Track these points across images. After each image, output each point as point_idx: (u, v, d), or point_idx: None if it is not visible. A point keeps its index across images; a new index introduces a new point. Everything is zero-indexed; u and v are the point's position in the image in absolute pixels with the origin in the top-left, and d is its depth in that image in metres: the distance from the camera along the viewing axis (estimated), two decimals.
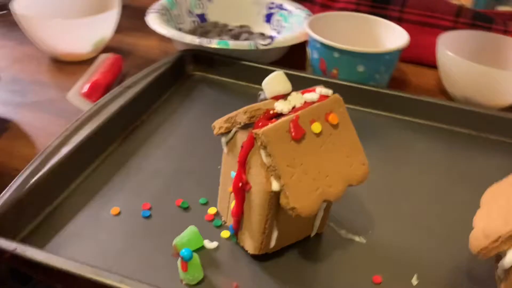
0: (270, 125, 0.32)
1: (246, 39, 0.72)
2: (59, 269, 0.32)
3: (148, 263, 0.36)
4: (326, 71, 0.60)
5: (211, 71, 0.63)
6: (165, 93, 0.58)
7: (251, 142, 0.33)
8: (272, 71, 0.59)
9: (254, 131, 0.32)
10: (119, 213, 0.40)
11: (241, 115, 0.33)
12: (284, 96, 0.34)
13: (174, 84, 0.60)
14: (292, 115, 0.32)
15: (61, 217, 0.39)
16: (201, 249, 0.37)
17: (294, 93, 0.34)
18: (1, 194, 0.37)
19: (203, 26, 0.75)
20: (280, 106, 0.33)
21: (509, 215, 0.33)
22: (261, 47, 0.60)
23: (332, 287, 0.36)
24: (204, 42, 0.60)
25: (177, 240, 0.37)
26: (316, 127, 0.33)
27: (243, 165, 0.34)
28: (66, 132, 0.45)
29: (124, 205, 0.41)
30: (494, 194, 0.38)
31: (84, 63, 0.64)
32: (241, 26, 0.77)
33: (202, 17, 0.76)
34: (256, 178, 0.33)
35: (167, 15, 0.70)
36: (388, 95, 0.58)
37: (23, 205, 0.37)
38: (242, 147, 0.34)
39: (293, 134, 0.32)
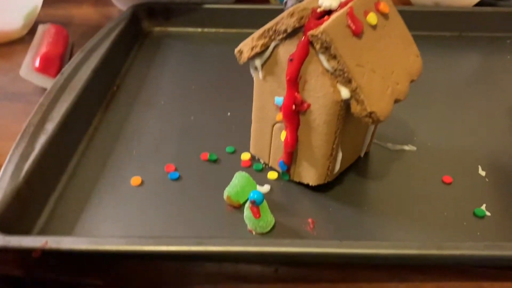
0: (327, 22, 0.27)
1: None
2: (111, 251, 0.25)
3: (202, 226, 0.30)
4: None
5: (170, 24, 0.56)
6: (129, 55, 0.50)
7: (305, 50, 0.28)
8: (240, 10, 0.56)
9: (311, 32, 0.27)
10: (141, 183, 0.33)
11: (286, 20, 0.28)
12: None
13: (135, 44, 0.52)
14: (346, 8, 0.28)
15: (73, 202, 0.32)
16: None
17: None
18: None
19: None
20: (327, 1, 0.28)
21: None
22: None
23: (407, 195, 0.32)
24: None
25: (229, 191, 0.31)
26: (372, 18, 0.28)
27: (296, 82, 0.29)
28: (42, 107, 0.36)
29: (144, 172, 0.34)
30: None
31: (17, 42, 0.54)
32: None
33: None
34: (317, 91, 0.28)
35: None
36: None
37: (24, 196, 0.29)
38: (291, 60, 0.28)
39: (353, 28, 0.27)
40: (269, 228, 0.29)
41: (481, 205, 0.31)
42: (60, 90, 0.38)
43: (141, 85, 0.45)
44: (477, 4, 0.60)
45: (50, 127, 0.34)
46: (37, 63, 0.45)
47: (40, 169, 0.31)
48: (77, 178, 0.33)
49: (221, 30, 0.55)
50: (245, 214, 0.29)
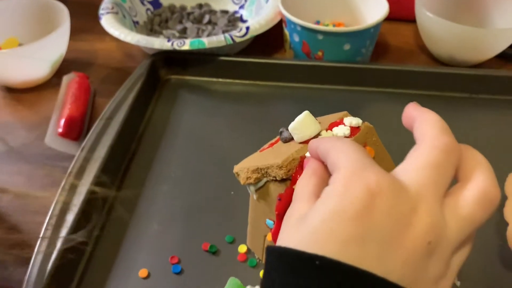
0: None
1: (209, 21, 0.67)
2: None
3: None
4: (310, 54, 0.57)
5: (186, 73, 0.58)
6: (147, 111, 0.53)
7: (292, 196, 0.31)
8: (252, 63, 0.57)
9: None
10: (148, 275, 0.38)
11: (276, 170, 0.31)
12: (315, 137, 0.31)
13: (152, 96, 0.55)
14: None
15: None
16: None
17: (323, 132, 0.32)
18: None
19: (159, 13, 0.69)
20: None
21: None
22: (238, 40, 0.56)
23: None
24: (177, 44, 0.55)
25: None
26: None
27: (283, 217, 0.32)
28: (63, 193, 0.40)
29: (151, 264, 0.38)
30: None
31: (43, 86, 0.58)
32: (200, 6, 0.71)
33: (155, 3, 0.70)
34: None
35: (120, 12, 0.63)
36: (376, 70, 0.56)
37: None
38: (279, 199, 0.31)
39: None
40: None
41: None
42: (80, 171, 0.43)
43: (155, 150, 0.49)
44: (496, 56, 0.59)
45: (70, 218, 0.39)
46: (60, 128, 0.49)
47: (61, 266, 0.36)
48: (91, 270, 0.38)
49: (235, 80, 0.58)
50: None
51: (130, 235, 0.41)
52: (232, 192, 0.44)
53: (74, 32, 0.61)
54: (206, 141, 0.50)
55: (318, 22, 0.63)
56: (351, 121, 0.33)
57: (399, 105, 0.52)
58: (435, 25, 0.57)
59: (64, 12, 0.56)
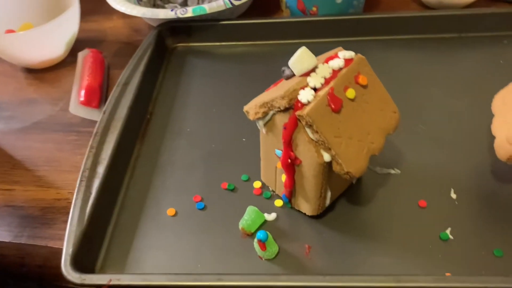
0: (311, 104, 0.33)
1: None
2: (156, 285, 0.35)
3: (223, 252, 0.39)
4: (305, 11, 0.60)
5: (192, 40, 0.62)
6: (158, 78, 0.57)
7: (295, 123, 0.35)
8: (252, 24, 0.61)
9: (298, 113, 0.34)
10: (176, 213, 0.42)
11: (279, 100, 0.35)
12: (312, 70, 0.35)
13: (162, 64, 0.59)
14: (327, 88, 0.34)
15: (124, 234, 0.41)
16: (264, 224, 0.41)
17: (320, 65, 0.36)
18: (67, 233, 0.38)
19: None
20: (313, 81, 0.34)
21: None
22: (237, 3, 0.59)
23: (387, 222, 0.40)
24: (179, 12, 0.58)
25: (242, 223, 0.40)
26: (350, 93, 0.35)
27: (289, 144, 0.36)
28: (93, 150, 0.45)
29: (177, 203, 0.43)
30: (505, 101, 0.42)
31: (61, 65, 0.62)
32: None
33: None
34: (305, 153, 0.36)
35: None
36: (369, 19, 0.59)
37: (89, 236, 0.39)
38: (284, 128, 0.36)
39: (333, 107, 0.34)
40: (273, 256, 0.38)
41: (447, 229, 0.39)
42: (105, 131, 0.47)
43: (170, 110, 0.53)
44: None
45: (101, 170, 0.43)
46: (82, 97, 0.53)
47: (97, 210, 0.41)
48: (124, 212, 0.43)
49: (237, 43, 0.61)
50: (255, 246, 0.38)
51: (156, 180, 0.45)
52: (244, 139, 0.49)
53: (83, 14, 0.65)
54: (216, 98, 0.54)
55: None
56: (345, 54, 0.37)
57: (393, 51, 0.57)
58: None
59: None
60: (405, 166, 0.44)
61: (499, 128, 0.40)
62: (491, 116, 0.43)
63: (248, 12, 0.67)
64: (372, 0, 0.68)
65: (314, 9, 0.60)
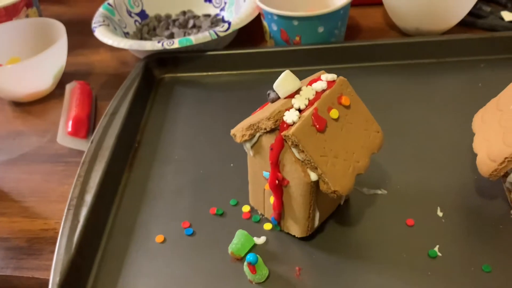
0: (296, 125, 0.34)
1: (194, 26, 0.72)
2: None
3: (213, 276, 0.39)
4: (289, 40, 0.62)
5: (178, 70, 0.63)
6: (146, 107, 0.58)
7: (281, 143, 0.35)
8: (238, 55, 0.62)
9: (284, 133, 0.34)
10: (164, 240, 0.42)
11: (265, 121, 0.35)
12: (297, 92, 0.36)
13: (149, 94, 0.60)
14: (311, 109, 0.35)
15: (113, 262, 0.41)
16: (253, 247, 0.41)
17: (304, 87, 0.37)
18: (54, 261, 0.38)
19: (147, 23, 0.74)
20: (297, 103, 0.35)
21: (506, 138, 0.38)
22: (222, 34, 0.61)
23: (376, 242, 0.40)
24: (166, 44, 0.60)
25: (232, 247, 0.40)
26: (334, 113, 0.36)
27: (276, 164, 0.37)
28: (80, 178, 0.45)
29: (166, 230, 0.43)
30: (484, 120, 0.43)
31: (48, 98, 0.63)
32: (184, 12, 0.76)
33: (142, 14, 0.75)
34: (292, 173, 0.36)
35: (111, 24, 0.68)
36: (351, 47, 0.61)
37: (77, 264, 0.38)
38: (271, 149, 0.36)
39: (317, 126, 0.35)
40: (264, 279, 0.38)
41: (435, 246, 0.39)
42: (92, 160, 0.47)
43: (157, 139, 0.53)
44: (457, 24, 0.65)
45: (89, 198, 0.43)
46: (69, 128, 0.53)
47: (85, 238, 0.40)
48: (112, 240, 0.42)
49: (223, 72, 0.63)
50: (245, 269, 0.38)
51: (144, 207, 0.45)
52: (231, 164, 0.49)
53: (70, 48, 0.67)
54: (203, 126, 0.55)
55: None
56: (327, 76, 0.38)
57: (375, 77, 0.58)
58: (399, 1, 0.62)
59: (60, 28, 0.62)
60: (391, 186, 0.45)
61: (480, 145, 0.41)
62: (471, 135, 0.44)
63: (233, 43, 0.69)
64: (352, 29, 0.70)
65: (297, 38, 0.61)
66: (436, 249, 0.39)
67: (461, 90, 0.56)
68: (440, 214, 0.42)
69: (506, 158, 0.37)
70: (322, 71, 0.39)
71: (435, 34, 0.65)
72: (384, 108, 0.54)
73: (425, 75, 0.58)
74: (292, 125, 0.35)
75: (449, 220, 0.41)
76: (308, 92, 0.36)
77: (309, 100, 0.36)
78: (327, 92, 0.36)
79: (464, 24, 0.67)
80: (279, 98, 0.38)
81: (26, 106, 0.62)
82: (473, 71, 0.58)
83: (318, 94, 0.36)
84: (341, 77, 0.38)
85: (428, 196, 0.43)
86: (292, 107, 0.36)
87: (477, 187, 0.44)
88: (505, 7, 0.70)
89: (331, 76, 0.37)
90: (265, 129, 0.36)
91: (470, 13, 0.67)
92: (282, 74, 0.36)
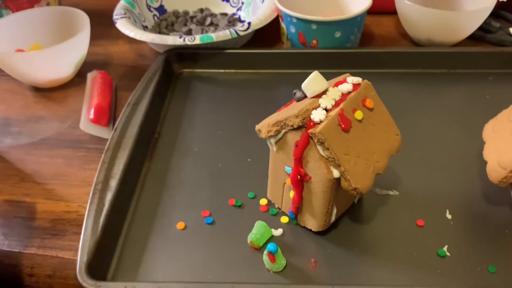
0: (323, 123, 0.36)
1: (211, 23, 0.74)
2: None
3: (232, 264, 0.41)
4: (306, 43, 0.64)
5: (197, 66, 0.65)
6: (165, 100, 0.60)
7: (307, 140, 0.37)
8: (255, 54, 0.64)
9: (311, 131, 0.36)
10: (185, 227, 0.44)
11: (293, 119, 0.37)
12: (323, 93, 0.38)
13: (169, 87, 0.62)
14: (337, 109, 0.37)
15: (135, 246, 0.42)
16: (271, 238, 0.42)
17: (330, 88, 0.39)
18: (82, 241, 0.39)
19: (165, 18, 0.76)
20: (324, 103, 0.37)
21: None
22: (242, 33, 0.63)
23: (387, 239, 0.42)
24: (188, 40, 0.61)
25: (251, 237, 0.41)
26: (359, 114, 0.38)
27: (300, 160, 0.38)
28: (105, 164, 0.47)
29: (186, 218, 0.44)
30: (495, 129, 0.45)
31: (68, 85, 0.64)
32: (201, 10, 0.78)
33: (161, 9, 0.77)
34: (315, 169, 0.38)
35: (132, 17, 0.70)
36: (365, 53, 0.63)
37: (102, 245, 0.40)
38: (296, 145, 0.38)
39: (343, 126, 0.37)
40: (281, 269, 0.40)
41: (444, 246, 0.41)
42: (116, 147, 0.49)
43: (176, 131, 0.55)
44: (467, 37, 0.67)
45: (113, 184, 0.45)
46: (91, 115, 0.55)
47: (110, 221, 0.42)
48: (135, 224, 0.44)
49: (240, 70, 0.64)
50: (264, 258, 0.40)
51: (164, 196, 0.47)
52: (249, 159, 0.51)
53: (90, 38, 0.68)
54: (220, 121, 0.57)
55: None
56: (353, 79, 0.40)
57: (387, 84, 0.60)
58: (413, 12, 0.65)
59: (84, 17, 0.63)
60: (403, 188, 0.47)
61: (490, 153, 0.43)
62: (479, 143, 0.47)
63: (250, 42, 0.70)
64: (366, 36, 0.72)
65: (314, 41, 0.63)
66: (445, 249, 0.41)
67: (469, 101, 0.58)
68: (449, 216, 0.44)
69: None
70: (347, 74, 0.41)
71: (446, 45, 0.67)
72: (394, 114, 0.55)
73: (435, 85, 0.61)
74: (319, 123, 0.36)
75: (457, 223, 0.43)
76: (334, 93, 0.38)
77: (335, 101, 0.38)
78: (352, 94, 0.38)
79: (474, 38, 0.69)
80: (305, 97, 0.40)
81: (47, 92, 0.63)
82: (482, 83, 0.61)
83: (344, 95, 0.38)
84: (365, 81, 0.40)
85: (437, 199, 0.45)
86: (319, 106, 0.38)
87: (484, 193, 0.46)
88: None
89: (357, 79, 0.39)
90: (292, 126, 0.38)
91: (480, 28, 0.70)
92: (311, 75, 0.38)
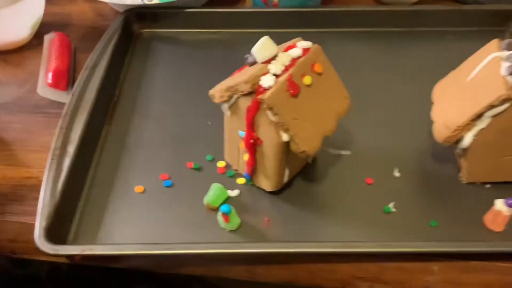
0: (271, 89, 0.37)
1: None
2: (128, 254, 0.38)
3: (189, 225, 0.42)
4: (267, 2, 0.64)
5: (157, 26, 0.64)
6: (124, 62, 0.59)
7: (257, 106, 0.38)
8: (217, 13, 0.64)
9: (260, 97, 0.37)
10: (144, 191, 0.45)
11: (243, 85, 0.38)
12: (273, 58, 0.39)
13: (128, 48, 0.61)
14: (286, 75, 0.38)
15: (94, 210, 0.43)
16: (227, 199, 0.44)
17: (280, 53, 0.39)
18: (40, 207, 0.40)
19: None
20: (274, 68, 0.38)
21: (461, 108, 0.42)
22: None
23: (338, 197, 0.44)
24: (147, 0, 0.60)
25: (207, 199, 0.43)
26: (307, 79, 0.39)
27: (252, 125, 0.40)
28: (62, 130, 0.47)
29: (145, 181, 0.46)
30: (443, 90, 0.47)
31: (26, 47, 0.63)
32: None
33: None
34: (266, 133, 0.39)
35: None
36: (326, 12, 0.63)
37: (61, 210, 0.41)
38: (248, 111, 0.39)
39: (291, 92, 0.38)
40: (235, 227, 0.42)
41: (390, 203, 0.43)
42: (74, 112, 0.49)
43: (136, 93, 0.55)
44: None
45: (71, 149, 0.45)
46: (49, 79, 0.54)
47: (68, 186, 0.43)
48: (94, 189, 0.45)
49: (201, 30, 0.64)
50: (218, 218, 0.41)
51: (124, 160, 0.48)
52: (209, 122, 0.52)
53: None
54: (181, 83, 0.57)
55: None
56: (303, 44, 0.40)
57: (347, 42, 0.61)
58: None
59: None
60: (355, 147, 0.48)
61: (437, 114, 0.45)
62: (431, 103, 0.48)
63: (213, 0, 0.69)
64: None
65: (276, 0, 0.63)
66: (391, 205, 0.43)
67: (427, 59, 0.59)
68: (397, 174, 0.46)
69: (458, 126, 0.41)
70: (299, 38, 0.41)
71: (409, 2, 0.67)
72: (352, 73, 0.56)
73: (395, 44, 0.62)
74: (268, 89, 0.37)
75: (404, 180, 0.45)
76: (284, 58, 0.39)
77: (285, 66, 0.39)
78: (302, 59, 0.39)
79: None
80: (256, 62, 0.40)
81: (3, 55, 0.62)
82: (440, 41, 0.62)
83: (294, 60, 0.39)
84: (315, 45, 0.40)
85: (387, 158, 0.47)
86: (268, 72, 0.38)
87: (433, 152, 0.48)
88: None
89: (307, 44, 0.40)
90: (243, 92, 0.38)
91: None
92: (261, 40, 0.38)
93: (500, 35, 0.63)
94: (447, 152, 0.47)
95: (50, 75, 0.55)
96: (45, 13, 0.65)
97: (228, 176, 0.46)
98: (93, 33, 0.65)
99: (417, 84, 0.55)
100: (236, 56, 0.60)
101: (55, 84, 0.54)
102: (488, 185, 0.45)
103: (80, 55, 0.61)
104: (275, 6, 0.64)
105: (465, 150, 0.43)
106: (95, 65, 0.54)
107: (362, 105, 0.52)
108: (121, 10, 0.65)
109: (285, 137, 0.38)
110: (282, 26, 0.63)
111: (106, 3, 0.70)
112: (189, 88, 0.56)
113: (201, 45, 0.62)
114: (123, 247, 0.38)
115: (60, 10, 0.70)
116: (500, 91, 0.38)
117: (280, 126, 0.38)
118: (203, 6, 0.67)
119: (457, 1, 0.70)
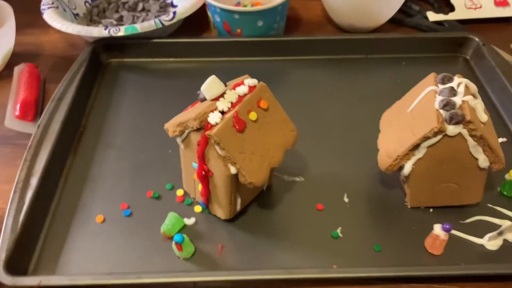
0: (218, 126, 0.39)
1: (143, 9, 0.75)
2: (82, 285, 0.40)
3: (146, 253, 0.44)
4: (231, 31, 0.66)
5: (124, 55, 0.66)
6: (92, 92, 0.62)
7: (206, 141, 0.40)
8: (182, 43, 0.66)
9: (207, 133, 0.39)
10: (104, 220, 0.47)
11: (192, 121, 0.40)
12: (221, 95, 0.41)
13: (96, 78, 0.64)
14: (233, 111, 0.40)
15: (56, 240, 0.45)
16: (183, 227, 0.46)
17: (228, 91, 0.42)
18: (1, 238, 0.42)
19: (96, 4, 0.76)
20: (221, 105, 0.40)
21: (401, 138, 0.45)
22: (167, 23, 0.64)
23: (290, 223, 0.46)
24: (112, 31, 0.63)
25: (163, 228, 0.45)
26: (253, 115, 0.41)
27: (202, 158, 0.42)
28: (26, 162, 0.49)
29: (105, 211, 0.48)
30: (388, 119, 0.50)
31: None
32: None
33: None
34: (216, 166, 0.41)
35: (60, 6, 0.70)
36: (287, 41, 0.66)
37: (21, 242, 0.43)
38: (198, 145, 0.41)
39: (237, 127, 0.40)
40: (190, 255, 0.44)
41: (337, 228, 0.46)
42: (38, 144, 0.51)
43: (102, 123, 0.57)
44: (388, 21, 0.71)
45: (34, 181, 0.47)
46: (17, 111, 0.56)
47: (30, 218, 0.45)
48: (57, 219, 0.47)
49: (167, 59, 0.66)
50: (173, 247, 0.43)
51: (86, 190, 0.50)
52: (170, 151, 0.54)
53: (20, 27, 0.68)
54: (146, 112, 0.59)
55: (239, 3, 0.72)
56: (249, 81, 0.43)
57: (308, 70, 0.64)
58: None
59: (8, 9, 0.63)
60: (308, 174, 0.51)
61: (382, 142, 0.47)
62: (378, 130, 0.51)
63: (180, 29, 0.72)
64: (293, 20, 0.75)
65: (239, 30, 0.66)
66: (338, 230, 0.46)
67: (381, 86, 0.62)
68: (346, 200, 0.48)
69: (398, 156, 0.44)
70: (246, 75, 0.44)
71: (367, 30, 0.71)
72: (311, 101, 0.60)
73: (352, 71, 0.65)
74: (215, 125, 0.40)
75: (352, 206, 0.48)
76: (231, 95, 0.41)
77: (232, 103, 0.41)
78: (248, 96, 0.42)
79: (394, 22, 0.73)
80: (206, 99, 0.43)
81: None
82: (394, 68, 0.65)
83: (240, 97, 0.41)
84: (261, 83, 0.43)
85: (337, 184, 0.50)
86: (216, 109, 0.41)
87: (380, 178, 0.51)
88: (433, 7, 0.76)
89: (253, 81, 0.43)
90: (192, 127, 0.41)
91: (401, 10, 0.73)
92: (208, 79, 0.41)
93: (453, 60, 0.67)
94: (395, 178, 0.50)
95: (18, 106, 0.57)
96: (17, 43, 0.67)
97: (186, 205, 0.48)
98: (63, 63, 0.67)
99: (370, 110, 0.58)
100: (201, 84, 0.63)
101: (23, 116, 0.56)
102: (431, 210, 0.47)
103: (50, 85, 0.64)
104: (239, 35, 0.66)
105: (407, 177, 0.46)
106: (62, 97, 0.56)
107: (317, 133, 0.55)
108: (91, 40, 0.67)
109: (233, 169, 0.41)
110: (246, 54, 0.66)
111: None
112: (153, 117, 0.58)
113: (168, 74, 0.65)
114: (78, 278, 0.40)
115: (33, 40, 0.72)
116: (433, 124, 0.41)
117: (227, 159, 0.40)
118: (169, 36, 0.70)
119: (412, 28, 0.73)
